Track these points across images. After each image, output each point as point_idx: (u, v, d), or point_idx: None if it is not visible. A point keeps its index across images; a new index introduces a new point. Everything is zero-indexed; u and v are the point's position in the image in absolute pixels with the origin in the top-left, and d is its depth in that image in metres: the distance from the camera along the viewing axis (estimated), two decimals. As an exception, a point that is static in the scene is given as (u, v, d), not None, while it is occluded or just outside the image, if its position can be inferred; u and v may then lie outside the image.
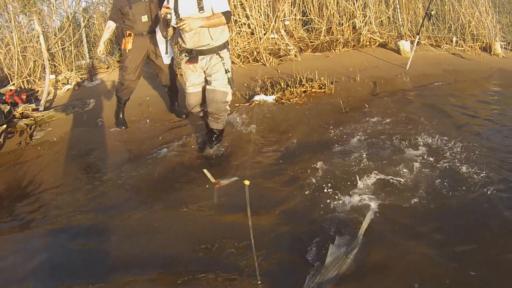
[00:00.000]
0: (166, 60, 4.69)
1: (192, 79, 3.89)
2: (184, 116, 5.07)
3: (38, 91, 6.10)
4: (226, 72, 3.76)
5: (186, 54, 3.80)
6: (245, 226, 2.43)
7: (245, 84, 5.69)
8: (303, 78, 5.60)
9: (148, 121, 5.03)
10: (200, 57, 3.74)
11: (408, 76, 6.22)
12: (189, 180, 3.77)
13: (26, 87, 6.21)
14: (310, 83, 5.58)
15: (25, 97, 5.72)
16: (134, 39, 4.61)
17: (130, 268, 2.74)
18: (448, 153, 3.74)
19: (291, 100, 5.32)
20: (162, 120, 5.00)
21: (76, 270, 2.81)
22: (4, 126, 5.10)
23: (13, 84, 6.14)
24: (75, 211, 3.53)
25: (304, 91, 5.50)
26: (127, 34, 4.65)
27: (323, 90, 5.58)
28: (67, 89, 6.01)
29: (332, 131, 4.41)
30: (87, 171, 4.33)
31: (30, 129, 5.31)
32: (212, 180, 2.46)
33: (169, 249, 2.87)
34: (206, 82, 3.86)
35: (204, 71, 3.84)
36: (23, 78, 6.20)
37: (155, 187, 3.76)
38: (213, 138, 4.08)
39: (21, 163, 4.88)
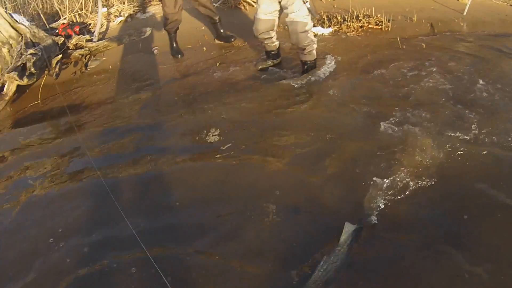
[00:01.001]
0: None
1: (264, 7, 3.87)
2: (233, 40, 5.12)
3: (90, 24, 6.12)
4: (304, 3, 3.69)
5: None
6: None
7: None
8: (360, 14, 5.47)
9: (204, 48, 5.01)
10: None
11: (466, 21, 5.99)
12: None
13: (78, 21, 6.23)
14: (367, 19, 5.44)
15: (78, 29, 5.76)
16: None
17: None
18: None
19: (348, 33, 5.23)
20: (219, 47, 4.97)
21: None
22: (59, 56, 5.15)
23: (65, 18, 6.17)
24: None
25: (361, 26, 5.37)
26: None
27: (380, 27, 5.42)
28: (120, 21, 6.01)
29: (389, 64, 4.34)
30: (144, 93, 4.38)
31: (85, 58, 5.36)
32: None
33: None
34: (281, 12, 3.84)
35: (279, 2, 3.77)
36: (74, 12, 6.22)
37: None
38: (305, 69, 4.12)
39: (78, 88, 4.96)
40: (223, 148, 3.27)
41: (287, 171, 3.03)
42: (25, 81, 4.73)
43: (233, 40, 5.19)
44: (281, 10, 3.88)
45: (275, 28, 4.10)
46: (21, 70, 4.78)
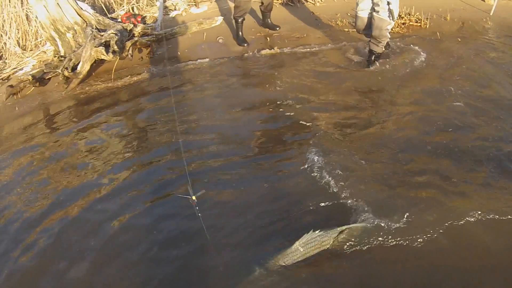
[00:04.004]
0: None
1: (362, 5, 4.42)
2: (277, 29, 5.65)
3: (145, 16, 6.53)
4: (388, 4, 4.23)
5: None
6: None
7: (348, 14, 6.14)
8: (401, 12, 6.06)
9: (268, 39, 5.51)
10: None
11: (492, 20, 6.64)
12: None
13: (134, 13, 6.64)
14: (408, 16, 6.04)
15: (140, 19, 6.18)
16: None
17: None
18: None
19: (392, 29, 5.78)
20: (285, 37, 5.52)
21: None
22: (134, 39, 5.58)
23: (123, 9, 6.59)
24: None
25: (403, 23, 5.97)
26: None
27: (419, 24, 6.03)
28: (176, 15, 6.45)
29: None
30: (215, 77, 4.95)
31: (153, 45, 5.79)
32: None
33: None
34: (374, 10, 4.36)
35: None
36: (131, 5, 6.63)
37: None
38: (372, 59, 4.65)
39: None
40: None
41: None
42: (110, 56, 5.15)
43: (278, 28, 5.70)
44: None
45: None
46: (106, 47, 5.19)
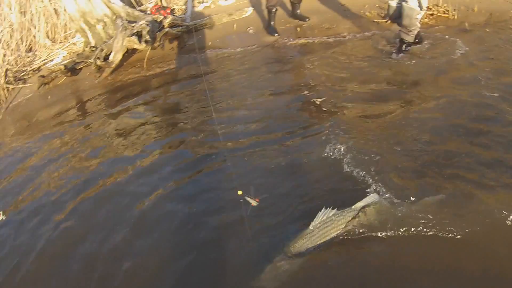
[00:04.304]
0: None
1: None
2: (307, 20, 5.69)
3: (174, 8, 6.60)
4: None
5: None
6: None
7: (377, 5, 6.16)
8: (429, 3, 6.07)
9: (298, 29, 5.55)
10: None
11: (519, 11, 6.61)
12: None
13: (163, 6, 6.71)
14: (436, 8, 6.04)
15: (169, 11, 6.25)
16: None
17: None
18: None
19: (421, 20, 5.80)
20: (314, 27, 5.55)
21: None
22: (165, 30, 5.64)
23: (151, 2, 6.67)
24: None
25: (431, 14, 5.97)
26: None
27: (447, 15, 6.02)
28: (204, 7, 6.51)
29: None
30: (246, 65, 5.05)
31: (183, 36, 5.85)
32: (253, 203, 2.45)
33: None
34: None
35: None
36: (160, -2, 6.72)
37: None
38: (403, 47, 4.67)
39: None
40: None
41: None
42: (142, 45, 5.22)
43: (307, 20, 5.74)
44: None
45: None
46: (138, 37, 5.27)
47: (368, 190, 2.81)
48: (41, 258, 2.95)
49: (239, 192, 2.43)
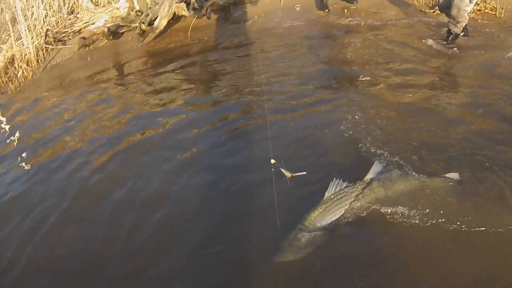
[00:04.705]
0: None
1: None
2: (355, 2, 5.65)
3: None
4: None
5: None
6: None
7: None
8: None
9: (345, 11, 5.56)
10: None
11: None
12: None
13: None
14: (484, 4, 6.00)
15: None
16: None
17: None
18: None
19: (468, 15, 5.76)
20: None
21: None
22: (213, 0, 5.63)
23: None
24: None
25: (479, 10, 5.92)
26: None
27: (494, 12, 5.97)
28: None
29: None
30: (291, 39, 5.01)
31: (229, 7, 5.83)
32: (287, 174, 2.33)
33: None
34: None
35: None
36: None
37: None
38: (449, 38, 4.64)
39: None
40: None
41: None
42: (190, 13, 5.21)
43: (355, 2, 5.69)
44: None
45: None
46: (186, 4, 5.27)
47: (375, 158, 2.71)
48: (75, 202, 2.92)
49: (272, 161, 2.32)
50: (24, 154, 3.70)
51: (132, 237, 2.51)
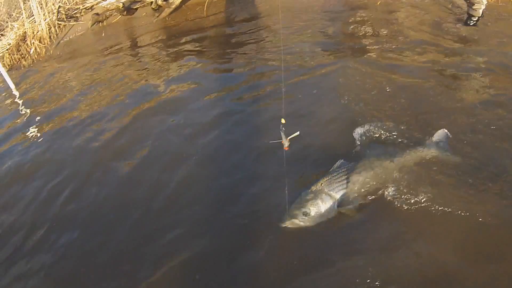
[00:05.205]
0: None
1: None
2: None
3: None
4: None
5: None
6: None
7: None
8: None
9: None
10: None
11: None
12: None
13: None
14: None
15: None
16: None
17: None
18: None
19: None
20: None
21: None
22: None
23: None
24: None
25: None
26: None
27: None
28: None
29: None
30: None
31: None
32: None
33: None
34: None
35: None
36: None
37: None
38: (468, 21, 4.58)
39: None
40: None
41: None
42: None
43: None
44: None
45: None
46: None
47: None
48: (96, 166, 2.83)
49: (283, 121, 2.24)
50: (40, 123, 3.65)
51: (154, 197, 2.44)
